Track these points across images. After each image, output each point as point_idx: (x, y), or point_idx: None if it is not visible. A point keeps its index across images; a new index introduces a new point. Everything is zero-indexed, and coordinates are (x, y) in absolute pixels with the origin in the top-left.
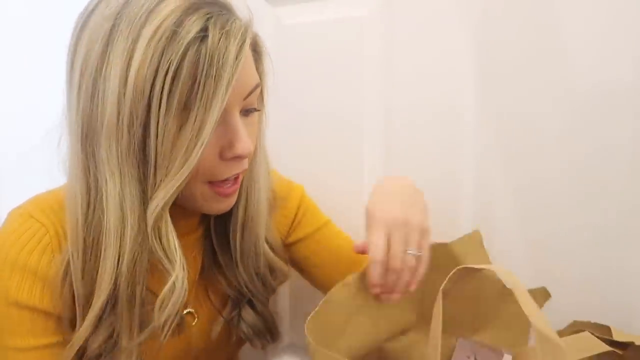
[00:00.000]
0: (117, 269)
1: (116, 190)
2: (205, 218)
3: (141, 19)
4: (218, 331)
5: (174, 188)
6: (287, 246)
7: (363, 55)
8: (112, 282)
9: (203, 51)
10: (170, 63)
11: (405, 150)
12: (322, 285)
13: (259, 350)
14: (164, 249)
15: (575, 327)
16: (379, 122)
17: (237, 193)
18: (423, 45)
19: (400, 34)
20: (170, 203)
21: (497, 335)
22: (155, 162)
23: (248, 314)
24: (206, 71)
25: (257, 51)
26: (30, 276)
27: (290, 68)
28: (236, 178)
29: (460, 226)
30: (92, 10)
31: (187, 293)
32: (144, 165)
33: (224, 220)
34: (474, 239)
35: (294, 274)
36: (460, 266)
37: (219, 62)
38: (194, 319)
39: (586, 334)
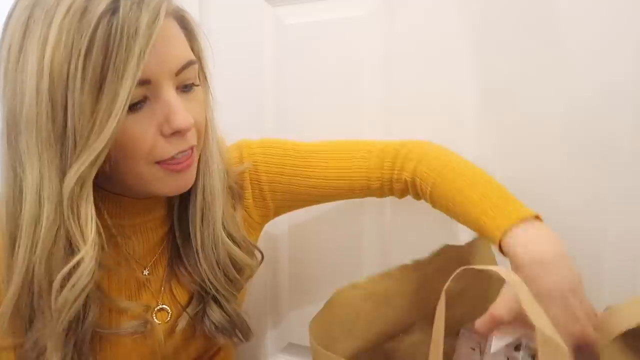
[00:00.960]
0: (30, 258)
1: (34, 179)
2: (171, 212)
3: (54, 3)
4: (182, 327)
5: (88, 162)
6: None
7: (363, 55)
8: (25, 271)
9: (114, 23)
10: (82, 39)
11: None
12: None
13: (258, 350)
14: (79, 227)
15: None
16: (379, 122)
17: (193, 170)
18: (423, 45)
19: (400, 34)
20: (87, 178)
21: None
22: (75, 141)
23: (212, 311)
24: (117, 42)
25: (187, 29)
26: None
27: (290, 68)
28: (189, 155)
29: (460, 227)
30: (16, 3)
31: (93, 278)
32: (63, 148)
33: (186, 210)
34: (483, 242)
35: (293, 274)
36: (463, 267)
37: (129, 32)
38: (168, 315)
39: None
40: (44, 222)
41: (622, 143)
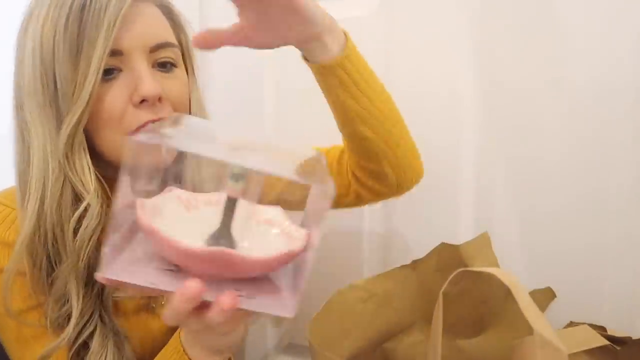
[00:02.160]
0: (40, 209)
1: (39, 140)
2: None
3: None
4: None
5: (74, 120)
6: None
7: (363, 55)
8: (36, 221)
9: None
10: (62, 15)
11: None
12: None
13: (259, 350)
14: (79, 177)
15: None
16: None
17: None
18: (423, 45)
19: (400, 34)
20: (76, 135)
21: (504, 334)
22: (65, 103)
23: None
24: (90, 15)
25: (173, 20)
26: (0, 245)
27: (290, 68)
28: None
29: (460, 226)
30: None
31: (102, 219)
32: (57, 110)
33: None
34: (483, 241)
35: None
36: (460, 269)
37: (100, 7)
38: (164, 298)
39: (584, 326)
40: (50, 176)
41: (623, 141)
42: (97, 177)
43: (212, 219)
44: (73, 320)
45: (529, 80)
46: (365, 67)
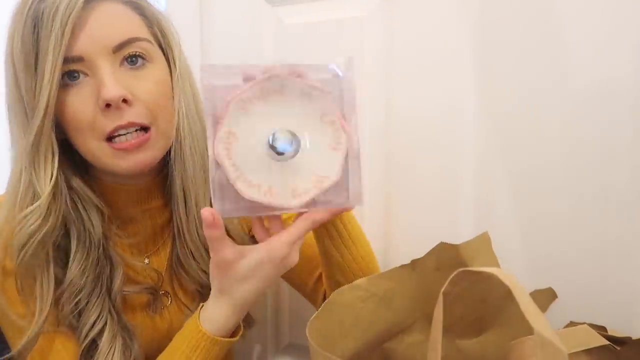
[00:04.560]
0: (10, 214)
1: (17, 144)
2: (169, 201)
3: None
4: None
5: (35, 129)
6: None
7: (363, 55)
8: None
9: (40, 8)
10: (21, 25)
11: (406, 150)
12: (291, 281)
13: (258, 350)
14: (40, 183)
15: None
16: (379, 122)
17: (147, 150)
18: (423, 45)
19: (400, 34)
20: (40, 143)
21: (504, 334)
22: (31, 115)
23: None
24: (42, 24)
25: (145, 15)
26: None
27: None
28: (137, 134)
29: (460, 226)
30: None
31: (43, 227)
32: (27, 120)
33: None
34: (483, 241)
35: None
36: (461, 269)
37: (50, 14)
38: (169, 300)
39: (584, 326)
40: (21, 180)
41: (622, 141)
42: (59, 184)
43: None
44: (37, 321)
45: (530, 78)
46: (354, 225)
